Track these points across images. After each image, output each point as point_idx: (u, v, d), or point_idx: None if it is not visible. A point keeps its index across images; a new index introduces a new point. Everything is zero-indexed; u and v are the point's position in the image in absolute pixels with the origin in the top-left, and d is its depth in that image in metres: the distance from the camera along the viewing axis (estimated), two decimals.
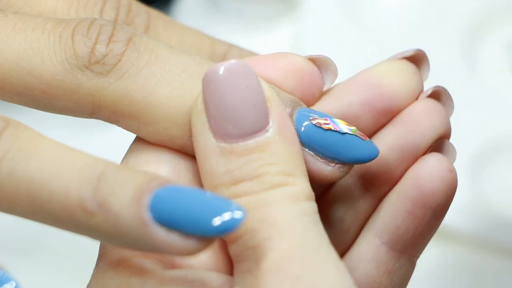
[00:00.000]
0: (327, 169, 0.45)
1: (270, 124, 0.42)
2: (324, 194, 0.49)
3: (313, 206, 0.42)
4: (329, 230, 0.48)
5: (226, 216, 0.38)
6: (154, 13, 0.50)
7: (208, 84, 0.42)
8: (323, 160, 0.45)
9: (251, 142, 0.42)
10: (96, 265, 0.43)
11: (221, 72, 0.41)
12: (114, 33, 0.43)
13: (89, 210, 0.38)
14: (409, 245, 0.47)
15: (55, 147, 0.40)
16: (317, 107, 0.47)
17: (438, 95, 0.48)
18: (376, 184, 0.48)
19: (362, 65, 0.50)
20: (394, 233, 0.47)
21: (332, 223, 0.48)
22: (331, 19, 0.97)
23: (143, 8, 0.50)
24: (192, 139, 0.43)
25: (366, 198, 0.48)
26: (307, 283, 0.39)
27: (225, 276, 0.43)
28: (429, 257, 0.48)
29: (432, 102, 0.47)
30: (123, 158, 0.45)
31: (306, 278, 0.40)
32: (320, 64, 0.47)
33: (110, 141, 0.67)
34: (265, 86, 0.42)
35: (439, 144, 0.48)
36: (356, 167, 0.47)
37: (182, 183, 0.43)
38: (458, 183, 0.47)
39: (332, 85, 0.48)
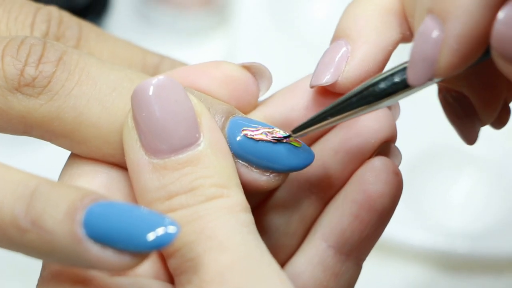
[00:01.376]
0: (262, 178, 0.45)
1: (202, 138, 0.43)
2: (268, 198, 0.50)
3: (249, 217, 0.43)
4: (275, 234, 0.47)
5: (160, 231, 0.38)
6: (85, 25, 0.50)
7: (137, 101, 0.42)
8: (258, 170, 0.45)
9: (183, 156, 0.42)
10: (40, 275, 0.43)
11: (149, 89, 0.42)
12: (44, 53, 0.44)
13: (22, 227, 0.39)
14: (355, 248, 0.48)
15: None
16: (260, 112, 0.47)
17: None
18: (321, 187, 0.48)
19: (294, 73, 0.49)
20: (340, 236, 0.48)
21: (278, 227, 0.49)
22: (263, 30, 0.98)
23: (75, 21, 0.50)
24: (125, 156, 0.43)
25: (312, 201, 0.49)
26: None
27: (170, 286, 0.43)
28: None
29: None
30: (61, 171, 0.46)
31: None
32: (254, 71, 0.48)
33: (49, 155, 0.65)
34: (194, 100, 0.43)
35: (385, 147, 0.48)
36: (301, 171, 0.47)
37: (116, 198, 0.44)
38: None
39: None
